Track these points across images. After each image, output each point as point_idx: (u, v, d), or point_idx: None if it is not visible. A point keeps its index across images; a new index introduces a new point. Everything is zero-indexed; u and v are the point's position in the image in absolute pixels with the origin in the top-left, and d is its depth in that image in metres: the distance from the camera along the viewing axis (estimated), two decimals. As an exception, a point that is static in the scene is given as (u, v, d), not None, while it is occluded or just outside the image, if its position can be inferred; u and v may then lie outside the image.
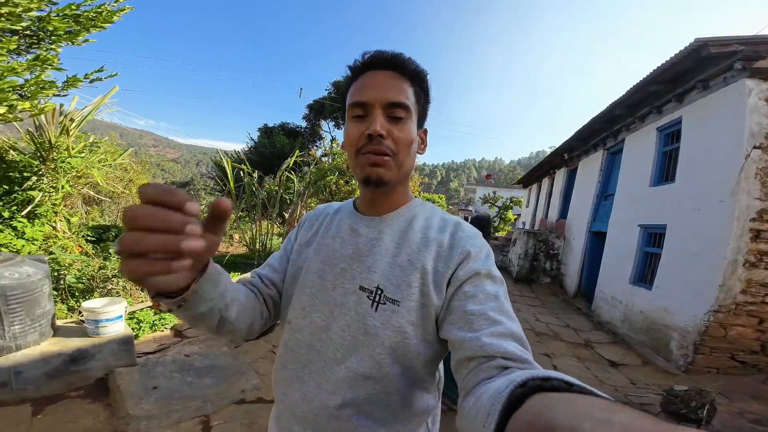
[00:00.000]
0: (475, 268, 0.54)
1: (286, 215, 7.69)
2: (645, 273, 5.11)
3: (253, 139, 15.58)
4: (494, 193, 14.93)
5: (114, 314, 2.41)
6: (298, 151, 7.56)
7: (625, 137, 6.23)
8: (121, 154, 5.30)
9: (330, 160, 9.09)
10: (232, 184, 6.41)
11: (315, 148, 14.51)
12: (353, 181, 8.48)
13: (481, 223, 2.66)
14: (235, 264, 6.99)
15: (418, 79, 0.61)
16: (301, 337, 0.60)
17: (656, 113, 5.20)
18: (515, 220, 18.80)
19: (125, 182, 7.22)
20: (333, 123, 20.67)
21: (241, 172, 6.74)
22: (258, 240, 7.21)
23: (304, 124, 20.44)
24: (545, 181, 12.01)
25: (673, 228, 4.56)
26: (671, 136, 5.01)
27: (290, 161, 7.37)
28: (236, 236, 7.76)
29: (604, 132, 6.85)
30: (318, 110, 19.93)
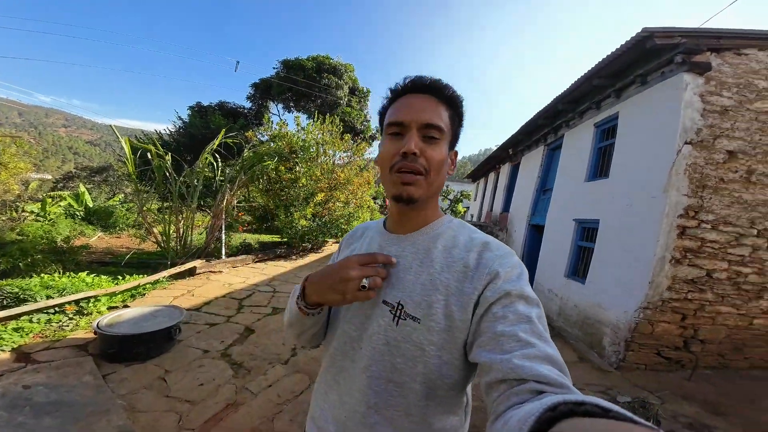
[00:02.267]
0: (505, 288, 0.53)
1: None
2: (578, 267, 5.17)
3: (181, 119, 13.62)
4: (447, 186, 15.20)
5: None
6: (224, 131, 6.50)
7: (564, 133, 6.29)
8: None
9: (272, 144, 8.15)
10: (131, 166, 5.26)
11: (260, 131, 13.10)
12: (297, 168, 7.66)
13: None
14: (146, 264, 5.87)
15: (454, 104, 0.64)
16: (338, 345, 0.66)
17: (595, 109, 5.22)
18: (465, 212, 19.42)
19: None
20: (282, 105, 19.23)
21: (148, 154, 5.57)
22: (175, 235, 6.10)
23: (248, 104, 18.72)
24: (491, 176, 12.28)
25: (605, 223, 4.59)
26: (607, 132, 5.05)
27: (215, 143, 6.33)
28: (156, 230, 6.57)
29: (546, 127, 6.90)
30: (265, 90, 18.34)
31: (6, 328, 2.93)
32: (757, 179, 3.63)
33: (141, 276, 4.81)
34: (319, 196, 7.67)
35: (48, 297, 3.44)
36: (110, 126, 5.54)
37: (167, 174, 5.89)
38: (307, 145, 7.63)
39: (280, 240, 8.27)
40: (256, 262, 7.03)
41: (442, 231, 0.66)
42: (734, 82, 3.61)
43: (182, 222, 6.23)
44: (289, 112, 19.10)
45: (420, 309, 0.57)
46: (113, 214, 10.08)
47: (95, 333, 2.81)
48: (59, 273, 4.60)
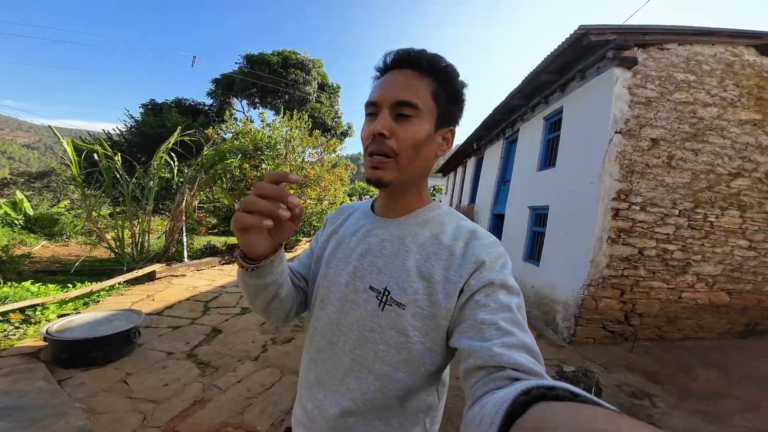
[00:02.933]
0: (489, 277, 0.54)
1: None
2: (534, 250, 5.58)
3: (133, 117, 12.71)
4: (419, 182, 15.69)
5: None
6: (180, 128, 6.22)
7: (519, 127, 6.71)
8: None
9: (235, 142, 7.87)
10: (75, 169, 4.91)
11: (222, 128, 12.55)
12: (264, 166, 7.49)
13: None
14: (98, 271, 5.51)
15: (440, 76, 0.59)
16: (318, 326, 0.66)
17: (544, 103, 5.63)
18: (436, 206, 20.04)
19: None
20: (247, 101, 18.54)
21: (95, 155, 5.22)
22: (130, 240, 5.78)
23: (209, 101, 17.87)
24: (459, 170, 12.75)
25: (554, 209, 4.99)
26: (554, 125, 5.47)
27: (170, 141, 6.04)
28: (109, 236, 6.16)
29: (504, 122, 7.30)
30: (227, 86, 17.57)
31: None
32: (676, 164, 4.14)
33: (94, 282, 4.54)
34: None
35: (-12, 308, 3.18)
36: (49, 127, 5.09)
37: (118, 176, 5.55)
38: (273, 141, 7.48)
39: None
40: (223, 264, 6.84)
41: (430, 217, 0.65)
42: (657, 75, 4.05)
43: (138, 226, 5.92)
44: (254, 108, 18.48)
45: (406, 295, 0.57)
46: (58, 221, 9.30)
47: (45, 339, 2.68)
48: (-1, 284, 4.23)
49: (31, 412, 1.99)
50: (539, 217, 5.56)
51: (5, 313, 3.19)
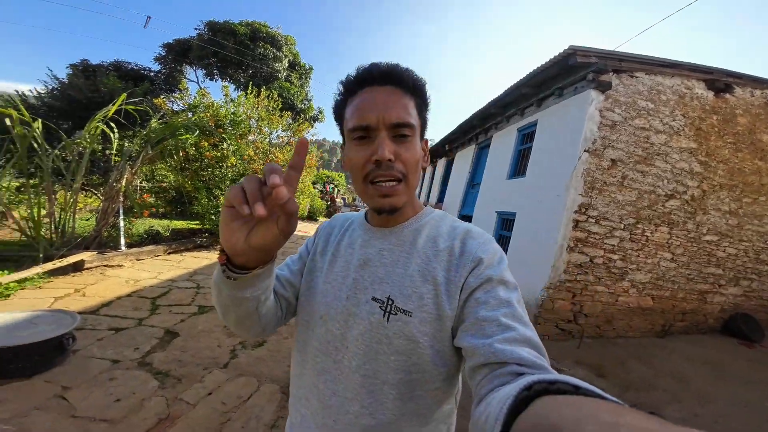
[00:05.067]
0: (487, 274, 0.54)
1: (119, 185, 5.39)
2: (498, 253, 5.90)
3: (57, 78, 10.59)
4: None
5: None
6: (125, 95, 5.30)
7: (493, 134, 7.02)
8: None
9: (190, 115, 6.93)
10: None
11: (172, 98, 11.02)
12: (225, 145, 6.71)
13: None
14: (4, 257, 4.46)
15: (418, 90, 0.59)
16: (318, 345, 0.62)
17: (519, 115, 5.94)
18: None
19: None
20: (204, 71, 16.71)
21: (7, 120, 4.19)
22: (47, 221, 4.79)
23: (156, 66, 15.72)
24: (429, 169, 13.00)
25: (520, 215, 5.32)
26: (527, 136, 5.81)
27: (111, 109, 5.12)
28: (16, 214, 5.02)
29: (478, 128, 7.57)
30: (182, 53, 15.61)
31: None
32: (627, 183, 4.67)
33: (4, 272, 3.67)
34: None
35: None
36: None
37: (36, 145, 4.55)
38: (237, 119, 6.76)
39: (200, 227, 7.26)
40: (170, 253, 6.05)
41: (425, 222, 0.65)
42: (624, 101, 4.49)
43: (57, 204, 4.93)
44: (211, 79, 16.75)
45: (411, 302, 0.56)
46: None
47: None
48: None
49: None
50: (505, 222, 5.88)
51: None
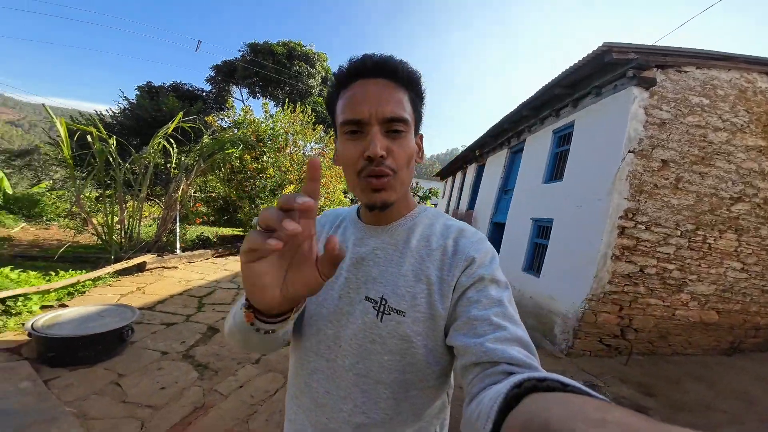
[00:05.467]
0: (479, 273, 0.54)
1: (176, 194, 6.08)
2: (534, 262, 5.60)
3: (127, 99, 12.25)
4: (416, 183, 15.55)
5: None
6: (182, 114, 5.98)
7: (526, 138, 6.72)
8: None
9: (236, 131, 7.61)
10: (67, 150, 4.63)
11: (221, 116, 12.22)
12: (264, 158, 7.27)
13: None
14: (83, 258, 5.22)
15: (412, 83, 0.57)
16: (309, 346, 0.61)
17: (554, 116, 5.64)
18: (431, 209, 20.23)
19: None
20: (247, 90, 18.20)
21: (89, 137, 4.94)
22: (119, 227, 5.52)
23: (208, 87, 17.45)
24: (459, 175, 12.78)
25: (558, 222, 5.01)
26: (564, 138, 5.49)
27: (171, 126, 5.80)
28: (95, 220, 5.87)
29: (510, 132, 7.32)
30: (228, 73, 17.23)
31: None
32: (683, 186, 4.20)
33: (79, 272, 4.29)
34: (288, 189, 7.39)
35: (-37, 297, 2.94)
36: (43, 105, 4.80)
37: (111, 159, 5.28)
38: (275, 133, 7.28)
39: (242, 233, 7.86)
40: (216, 257, 6.62)
41: (418, 220, 0.64)
42: (673, 97, 4.10)
43: (127, 212, 5.65)
44: (254, 97, 18.15)
45: (404, 301, 0.56)
46: (39, 202, 8.85)
47: (29, 335, 2.48)
48: (-26, 268, 3.94)
49: (15, 418, 1.82)
50: (541, 229, 5.57)
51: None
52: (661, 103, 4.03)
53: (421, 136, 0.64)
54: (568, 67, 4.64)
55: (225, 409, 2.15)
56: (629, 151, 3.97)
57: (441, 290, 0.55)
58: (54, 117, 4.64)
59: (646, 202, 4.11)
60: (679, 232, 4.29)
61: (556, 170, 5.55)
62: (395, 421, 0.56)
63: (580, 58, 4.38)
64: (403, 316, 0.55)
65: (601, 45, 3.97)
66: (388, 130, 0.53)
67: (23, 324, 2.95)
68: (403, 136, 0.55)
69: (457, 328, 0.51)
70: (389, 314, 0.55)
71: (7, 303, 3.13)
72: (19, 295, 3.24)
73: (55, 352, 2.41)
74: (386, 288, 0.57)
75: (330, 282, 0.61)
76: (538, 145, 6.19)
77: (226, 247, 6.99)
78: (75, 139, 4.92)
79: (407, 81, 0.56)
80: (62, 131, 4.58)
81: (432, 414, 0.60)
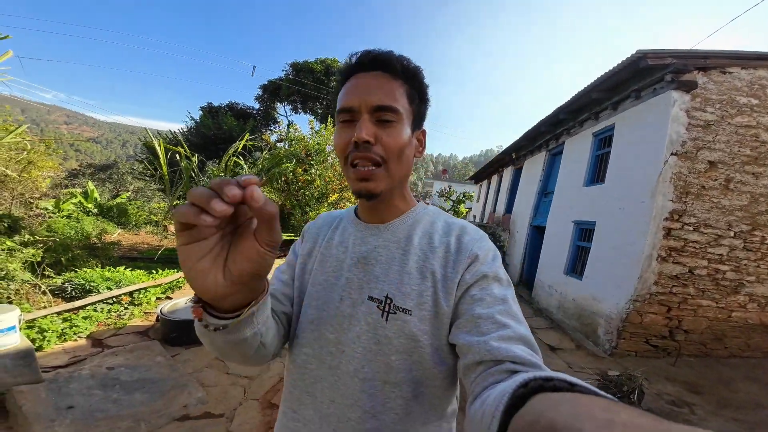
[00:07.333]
0: (482, 271, 0.54)
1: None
2: (576, 264, 5.64)
3: (193, 119, 13.99)
4: (449, 187, 15.59)
5: (4, 325, 2.06)
6: (248, 134, 6.89)
7: (565, 140, 6.74)
8: (12, 131, 4.30)
9: (286, 146, 8.50)
10: (165, 168, 5.63)
11: (269, 132, 13.53)
12: (312, 170, 8.05)
13: None
14: (172, 260, 6.24)
15: (410, 78, 0.58)
16: (311, 352, 0.58)
17: (594, 119, 5.68)
18: (467, 213, 19.88)
19: (23, 164, 5.95)
20: (290, 107, 19.58)
21: (177, 156, 5.94)
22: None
23: (256, 105, 19.06)
24: (494, 178, 12.71)
25: (601, 225, 5.05)
26: (604, 141, 5.51)
27: (239, 144, 6.71)
28: (173, 228, 6.98)
29: (548, 134, 7.35)
30: (273, 92, 18.66)
31: (78, 317, 3.33)
32: (735, 186, 4.11)
33: (174, 271, 5.21)
34: (332, 197, 8.09)
35: (108, 288, 3.84)
36: (145, 129, 5.88)
37: (193, 174, 6.26)
38: (321, 148, 8.03)
39: (295, 237, 8.70)
40: (280, 256, 7.44)
41: (419, 218, 0.64)
42: (718, 99, 4.06)
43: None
44: (295, 113, 19.44)
45: (410, 300, 0.55)
46: (127, 211, 10.43)
47: (158, 319, 3.20)
48: (98, 267, 4.98)
49: (158, 385, 2.38)
50: (584, 231, 5.61)
51: (119, 296, 3.83)
52: (704, 105, 4.01)
53: (424, 132, 0.64)
54: (604, 72, 4.72)
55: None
56: (672, 154, 4.00)
57: (445, 287, 0.55)
58: (153, 138, 5.67)
59: (693, 203, 4.09)
60: (732, 233, 4.19)
61: (597, 173, 5.57)
62: (406, 422, 0.54)
63: (616, 64, 4.47)
64: (410, 314, 0.54)
65: (634, 52, 4.06)
66: (378, 119, 0.54)
67: (146, 312, 3.78)
68: (392, 125, 0.55)
69: (459, 326, 0.51)
70: (395, 313, 0.54)
71: (134, 295, 4.00)
72: (142, 289, 4.11)
73: (177, 333, 3.06)
74: (391, 286, 0.56)
75: (329, 284, 0.60)
76: (578, 148, 6.21)
77: (282, 249, 7.84)
78: (163, 156, 5.93)
79: (404, 74, 0.57)
80: (161, 152, 5.57)
81: (443, 416, 0.59)
